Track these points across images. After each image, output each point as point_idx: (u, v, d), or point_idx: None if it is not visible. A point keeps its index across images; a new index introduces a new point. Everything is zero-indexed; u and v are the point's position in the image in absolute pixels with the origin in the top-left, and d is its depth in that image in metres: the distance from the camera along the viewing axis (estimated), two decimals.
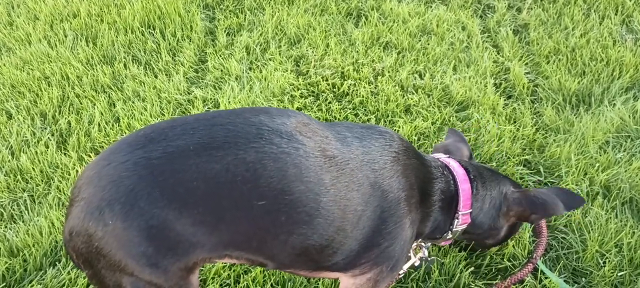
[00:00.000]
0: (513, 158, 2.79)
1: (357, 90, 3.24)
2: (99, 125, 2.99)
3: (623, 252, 2.32)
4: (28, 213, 2.52)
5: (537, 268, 2.27)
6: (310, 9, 4.02)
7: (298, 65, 3.50)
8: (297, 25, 3.80)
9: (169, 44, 3.66)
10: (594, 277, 2.27)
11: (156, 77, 3.37)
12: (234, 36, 3.79)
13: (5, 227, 2.47)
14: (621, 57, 3.44)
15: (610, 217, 2.46)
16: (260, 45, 3.65)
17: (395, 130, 2.94)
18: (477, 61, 3.50)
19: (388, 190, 1.65)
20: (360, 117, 3.07)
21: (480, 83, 3.30)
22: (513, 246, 2.34)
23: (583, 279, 2.29)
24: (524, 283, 2.23)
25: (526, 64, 3.54)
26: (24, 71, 3.39)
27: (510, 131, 2.93)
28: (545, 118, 3.07)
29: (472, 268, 2.28)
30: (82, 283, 2.19)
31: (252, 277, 2.21)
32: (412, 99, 3.16)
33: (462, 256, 2.30)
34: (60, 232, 2.38)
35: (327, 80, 3.33)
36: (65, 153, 2.82)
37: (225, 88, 3.24)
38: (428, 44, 3.64)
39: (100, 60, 3.52)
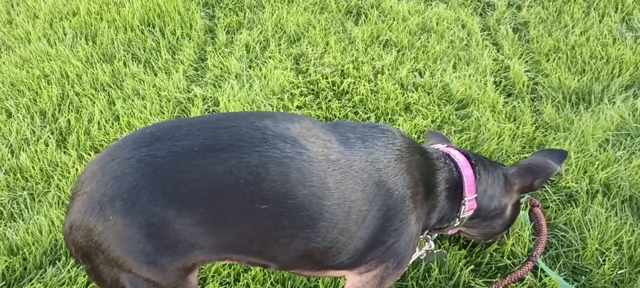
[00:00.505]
0: (513, 156, 2.79)
1: (357, 88, 3.24)
2: (99, 123, 2.98)
3: (623, 250, 2.33)
4: (28, 211, 2.52)
5: (537, 266, 2.27)
6: (310, 7, 4.01)
7: (298, 64, 3.50)
8: (296, 23, 3.79)
9: (169, 42, 3.66)
10: (594, 275, 2.27)
11: (156, 75, 3.37)
12: (234, 34, 3.78)
13: (5, 225, 2.47)
14: (621, 55, 3.43)
15: (610, 215, 2.46)
16: (260, 44, 3.65)
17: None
18: (477, 59, 3.49)
19: (393, 188, 1.66)
20: (360, 115, 3.07)
21: (480, 81, 3.30)
22: (513, 244, 2.34)
23: (583, 277, 2.29)
24: (524, 282, 2.23)
25: (526, 62, 3.54)
26: (23, 69, 3.39)
27: (510, 129, 2.93)
28: (545, 116, 3.07)
29: (472, 266, 2.28)
30: (82, 282, 2.19)
31: (252, 276, 2.21)
32: (412, 97, 3.16)
33: (462, 254, 2.30)
34: (60, 230, 2.38)
35: (327, 78, 3.33)
36: (64, 152, 2.82)
37: (225, 86, 3.24)
38: (428, 42, 3.64)
39: (100, 59, 3.51)
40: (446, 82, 3.28)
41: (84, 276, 2.20)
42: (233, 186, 1.43)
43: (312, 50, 3.56)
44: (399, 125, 2.94)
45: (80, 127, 2.96)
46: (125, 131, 2.92)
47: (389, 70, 3.39)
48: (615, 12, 3.92)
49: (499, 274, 2.30)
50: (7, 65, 3.43)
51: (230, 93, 3.17)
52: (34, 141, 2.89)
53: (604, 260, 2.31)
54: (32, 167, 2.71)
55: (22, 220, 2.48)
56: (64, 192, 2.58)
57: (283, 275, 2.22)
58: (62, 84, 3.27)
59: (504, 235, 2.34)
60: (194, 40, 3.70)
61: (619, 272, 2.26)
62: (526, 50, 3.65)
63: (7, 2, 4.14)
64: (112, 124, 2.98)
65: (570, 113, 3.08)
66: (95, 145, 2.86)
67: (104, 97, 3.17)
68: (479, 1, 4.18)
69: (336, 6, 4.01)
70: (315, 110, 3.10)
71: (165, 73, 3.39)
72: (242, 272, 2.24)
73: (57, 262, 2.29)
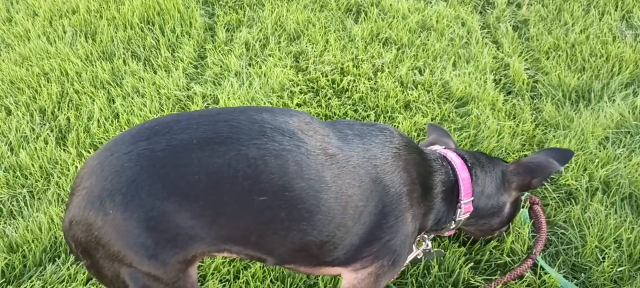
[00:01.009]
0: (513, 154, 2.79)
1: (356, 86, 3.24)
2: (98, 121, 2.98)
3: (622, 247, 2.33)
4: (27, 209, 2.52)
5: (537, 263, 2.27)
6: (309, 4, 4.01)
7: (297, 61, 3.50)
8: (296, 21, 3.79)
9: (168, 40, 3.65)
10: (594, 273, 2.27)
11: (155, 73, 3.37)
12: (234, 32, 3.78)
13: (5, 223, 2.47)
14: (621, 53, 3.43)
15: (610, 213, 2.46)
16: (260, 41, 3.65)
17: (394, 126, 2.94)
18: (477, 57, 3.49)
19: (389, 185, 1.66)
20: (360, 113, 3.07)
21: (480, 79, 3.30)
22: (512, 242, 2.34)
23: (582, 275, 2.29)
24: (524, 279, 2.23)
25: (526, 60, 3.54)
26: (23, 67, 3.38)
27: (510, 127, 2.93)
28: (544, 114, 3.06)
29: (472, 263, 2.28)
30: (82, 279, 2.19)
31: (251, 273, 2.21)
32: (411, 95, 3.16)
33: (461, 252, 2.30)
34: (59, 227, 2.38)
35: (326, 76, 3.32)
36: (64, 149, 2.82)
37: (224, 84, 3.24)
38: (428, 40, 3.64)
39: (100, 56, 3.51)
40: (446, 80, 3.28)
41: (84, 273, 2.20)
42: (232, 178, 1.44)
43: (312, 48, 3.56)
44: (399, 123, 2.94)
45: (79, 124, 2.96)
46: (124, 129, 2.91)
47: (388, 68, 3.39)
48: (615, 10, 3.91)
49: (499, 271, 2.30)
50: (7, 63, 3.42)
51: (230, 91, 3.17)
52: (34, 139, 2.89)
53: (603, 258, 2.30)
54: (32, 164, 2.71)
55: (22, 217, 2.48)
56: (63, 189, 2.58)
57: (282, 272, 2.22)
58: (61, 82, 3.27)
59: (503, 233, 2.34)
60: (193, 38, 3.70)
61: (618, 270, 2.26)
62: (526, 48, 3.65)
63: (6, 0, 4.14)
64: (112, 121, 2.98)
65: (570, 111, 3.08)
66: (94, 143, 2.86)
67: (104, 94, 3.17)
68: None
69: (336, 4, 4.00)
70: (315, 108, 3.10)
71: (165, 71, 3.39)
72: (241, 269, 2.24)
73: (56, 259, 2.29)
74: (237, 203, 1.46)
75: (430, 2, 4.08)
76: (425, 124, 2.94)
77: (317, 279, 2.21)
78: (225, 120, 1.51)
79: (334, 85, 3.27)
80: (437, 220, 1.90)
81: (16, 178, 2.66)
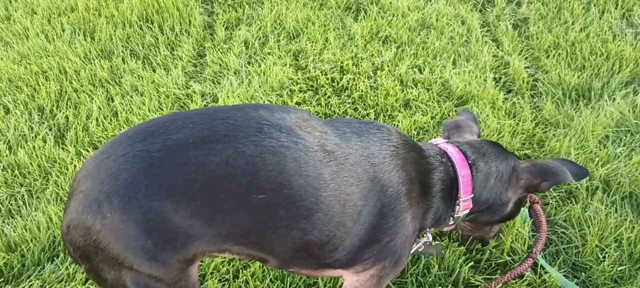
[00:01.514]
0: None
1: (356, 84, 3.23)
2: (97, 119, 2.97)
3: (623, 246, 2.32)
4: (26, 208, 2.51)
5: (537, 262, 2.27)
6: (309, 2, 4.00)
7: (297, 60, 3.49)
8: (296, 19, 3.78)
9: (168, 38, 3.64)
10: (594, 272, 2.26)
11: (154, 71, 3.36)
12: (233, 30, 3.77)
13: (3, 222, 2.46)
14: (621, 52, 3.43)
15: (610, 212, 2.45)
16: (259, 40, 3.64)
17: (394, 124, 2.93)
18: (477, 55, 3.49)
19: (388, 185, 1.65)
20: (360, 112, 3.06)
21: (480, 77, 3.29)
22: (512, 241, 2.34)
23: (583, 274, 2.28)
24: (524, 278, 2.23)
25: (526, 58, 3.53)
26: (21, 65, 3.37)
27: (510, 125, 2.92)
28: (544, 112, 3.06)
29: (472, 263, 2.28)
30: (81, 279, 2.18)
31: (251, 272, 2.20)
32: (411, 94, 3.15)
33: (461, 251, 2.30)
34: (58, 227, 2.37)
35: (326, 74, 3.32)
36: (63, 148, 2.81)
37: (224, 82, 3.23)
38: (427, 38, 3.63)
39: (98, 55, 3.50)
40: (446, 79, 3.27)
41: (83, 273, 2.19)
42: (229, 176, 1.43)
43: (312, 46, 3.55)
44: (399, 122, 2.93)
45: (78, 123, 2.95)
46: (123, 127, 2.91)
47: (388, 66, 3.38)
48: (616, 8, 3.91)
49: (499, 271, 2.29)
50: (5, 61, 3.41)
51: (229, 89, 3.16)
52: (32, 137, 2.88)
53: (603, 257, 2.30)
54: (30, 163, 2.70)
55: (20, 216, 2.47)
56: (62, 188, 2.57)
57: (282, 271, 2.21)
58: (60, 80, 3.26)
59: (498, 233, 2.33)
60: (192, 36, 3.68)
61: (618, 269, 2.25)
62: (526, 46, 3.64)
63: None
64: (111, 120, 2.97)
65: (570, 109, 3.07)
66: (93, 142, 2.85)
67: (103, 93, 3.16)
68: None
69: (335, 2, 3.99)
70: (314, 107, 3.09)
71: (164, 69, 3.38)
72: (241, 268, 2.24)
73: (55, 258, 2.28)
74: (235, 201, 1.45)
75: (430, 0, 4.07)
76: (425, 123, 2.93)
77: (317, 279, 2.20)
78: (221, 118, 1.50)
79: (333, 84, 3.26)
80: (436, 218, 1.88)
81: (15, 177, 2.66)
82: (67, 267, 2.22)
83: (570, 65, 3.40)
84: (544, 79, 3.32)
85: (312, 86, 3.26)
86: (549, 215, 2.49)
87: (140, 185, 1.38)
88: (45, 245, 2.32)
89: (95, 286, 2.17)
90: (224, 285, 2.20)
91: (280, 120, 1.54)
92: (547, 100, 3.13)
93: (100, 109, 3.04)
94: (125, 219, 1.38)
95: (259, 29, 3.73)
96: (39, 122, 2.99)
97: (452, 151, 1.92)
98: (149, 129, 1.48)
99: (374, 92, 3.18)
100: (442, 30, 3.71)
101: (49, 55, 3.45)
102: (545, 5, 4.00)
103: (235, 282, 2.20)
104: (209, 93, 3.18)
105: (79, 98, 3.14)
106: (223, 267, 2.24)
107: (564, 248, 2.38)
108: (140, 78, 3.28)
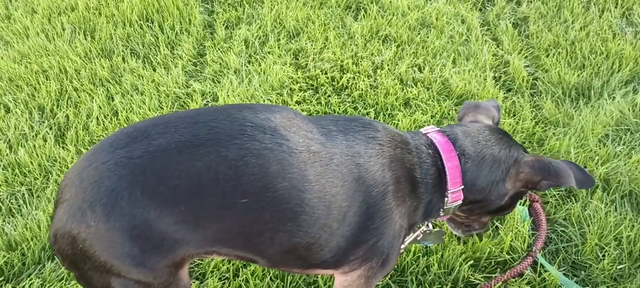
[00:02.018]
0: None
1: (356, 83, 3.23)
2: (97, 118, 2.98)
3: (622, 245, 2.32)
4: (26, 207, 2.51)
5: (537, 261, 2.27)
6: (309, 2, 4.00)
7: (297, 59, 3.49)
8: (296, 18, 3.78)
9: (168, 38, 3.64)
10: (593, 270, 2.27)
11: (155, 70, 3.36)
12: (233, 29, 3.77)
13: (4, 220, 2.46)
14: (621, 50, 3.43)
15: (610, 210, 2.46)
16: (259, 39, 3.64)
17: (394, 123, 2.93)
18: (477, 54, 3.49)
19: (373, 185, 1.61)
20: (360, 111, 3.06)
21: (480, 76, 3.29)
22: (512, 239, 2.34)
23: (582, 272, 2.29)
24: (524, 277, 2.23)
25: (526, 57, 3.53)
26: (21, 65, 3.38)
27: (510, 124, 2.93)
28: (544, 111, 3.06)
29: (472, 261, 2.28)
30: None
31: (251, 271, 2.21)
32: (411, 92, 3.15)
33: (461, 249, 2.30)
34: None
35: (326, 73, 3.32)
36: (63, 147, 2.81)
37: (224, 81, 3.23)
38: (427, 37, 3.63)
39: (99, 54, 3.50)
40: (446, 77, 3.27)
41: None
42: (212, 181, 1.41)
43: (312, 45, 3.55)
44: (399, 121, 2.93)
45: (78, 122, 2.95)
46: (123, 126, 2.91)
47: (388, 65, 3.38)
48: (615, 7, 3.91)
49: (499, 269, 2.30)
50: (5, 60, 3.41)
51: (229, 88, 3.16)
52: (33, 136, 2.88)
53: (603, 255, 2.30)
54: (31, 162, 2.70)
55: (21, 215, 2.48)
56: None
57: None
58: (60, 79, 3.26)
59: (487, 224, 2.23)
60: (192, 35, 3.69)
61: (618, 267, 2.26)
62: (526, 45, 3.64)
63: None
64: (111, 119, 2.98)
65: (569, 108, 3.07)
66: (93, 141, 2.85)
67: (103, 92, 3.16)
68: None
69: (335, 1, 3.99)
70: (314, 106, 3.09)
71: (164, 68, 3.38)
72: (241, 267, 2.24)
73: (55, 257, 2.28)
74: (219, 206, 1.44)
75: None
76: (424, 122, 2.93)
77: (317, 278, 2.20)
78: (203, 121, 1.48)
79: (333, 83, 3.27)
80: (428, 211, 1.82)
81: (15, 176, 2.66)
82: None
83: (570, 64, 3.40)
84: (543, 77, 3.32)
85: (312, 85, 3.26)
86: (549, 214, 2.49)
87: (123, 193, 1.37)
88: (46, 243, 2.33)
89: None
90: (224, 283, 2.21)
91: (264, 121, 1.51)
92: (547, 99, 3.13)
93: (100, 108, 3.04)
94: (109, 227, 1.37)
95: (259, 28, 3.73)
96: (39, 121, 2.99)
97: (441, 141, 1.83)
98: (131, 134, 1.46)
99: (374, 91, 3.18)
100: (442, 29, 3.71)
101: (49, 55, 3.45)
102: (545, 4, 4.00)
103: (235, 280, 2.20)
104: (209, 92, 3.19)
105: (79, 97, 3.14)
106: (223, 265, 2.24)
107: (563, 247, 2.38)
108: (141, 77, 3.28)
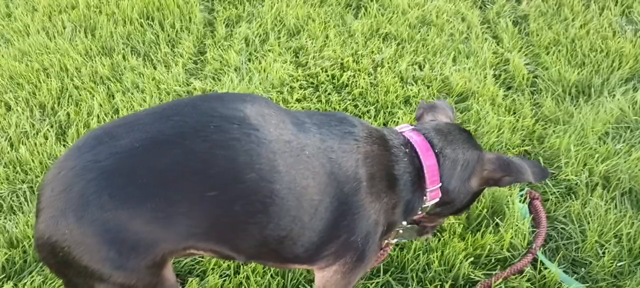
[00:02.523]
0: (513, 149, 2.79)
1: (356, 81, 3.24)
2: (98, 116, 2.98)
3: (622, 242, 2.33)
4: (27, 204, 2.51)
5: (537, 258, 2.28)
6: (309, 0, 4.00)
7: (297, 57, 3.49)
8: (296, 16, 3.78)
9: (168, 36, 3.65)
10: (593, 268, 2.27)
11: (155, 68, 3.36)
12: (233, 27, 3.78)
13: (5, 218, 2.47)
14: (621, 48, 3.43)
15: (610, 208, 2.46)
16: (260, 37, 3.64)
17: (394, 121, 2.94)
18: (477, 52, 3.49)
19: (345, 181, 1.59)
20: (360, 108, 3.06)
21: (480, 74, 3.30)
22: (512, 237, 2.35)
23: (582, 269, 2.29)
24: (524, 274, 2.24)
25: (526, 55, 3.54)
26: (22, 63, 3.38)
27: (510, 122, 2.93)
28: (544, 109, 3.06)
29: (472, 258, 2.28)
30: None
31: (252, 268, 2.21)
32: (411, 90, 3.15)
33: (461, 246, 2.31)
34: None
35: (326, 71, 3.32)
36: (64, 145, 2.81)
37: (224, 79, 3.24)
38: (428, 35, 3.64)
39: (99, 52, 3.51)
40: (446, 75, 3.28)
41: None
42: (180, 176, 1.40)
43: (312, 43, 3.56)
44: (399, 119, 2.94)
45: (79, 120, 2.95)
46: None
47: (388, 63, 3.38)
48: (615, 5, 3.91)
49: (499, 266, 2.30)
50: (6, 58, 3.42)
51: (230, 86, 3.17)
52: (34, 134, 2.88)
53: (603, 253, 2.31)
54: (32, 160, 2.70)
55: (22, 213, 2.48)
56: None
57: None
58: (61, 77, 3.27)
59: (438, 226, 2.23)
60: (193, 33, 3.69)
61: (618, 264, 2.26)
62: (526, 43, 3.64)
63: None
64: (112, 117, 2.98)
65: (570, 106, 3.08)
66: None
67: (104, 90, 3.16)
68: None
69: None
70: (314, 104, 3.10)
71: (165, 66, 3.39)
72: (241, 264, 2.25)
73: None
74: (189, 201, 1.41)
75: None
76: None
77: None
78: (169, 115, 1.45)
79: (333, 81, 3.27)
80: (408, 210, 1.80)
81: (16, 173, 2.66)
82: None
83: (570, 61, 3.41)
84: (544, 75, 3.32)
85: (313, 83, 3.27)
86: (549, 211, 2.50)
87: (92, 198, 1.35)
88: None
89: None
90: (224, 280, 2.21)
91: (232, 111, 1.48)
92: (547, 97, 3.14)
93: (101, 106, 3.05)
94: (82, 233, 1.36)
95: (260, 26, 3.73)
96: (40, 119, 3.00)
97: (417, 139, 1.83)
98: (98, 136, 1.43)
99: (374, 88, 3.19)
100: (442, 27, 3.72)
101: (50, 53, 3.45)
102: (545, 2, 4.01)
103: (236, 277, 2.21)
104: (210, 90, 3.19)
105: (80, 95, 3.15)
106: (224, 262, 2.25)
107: (563, 244, 2.38)
108: (141, 75, 3.28)
